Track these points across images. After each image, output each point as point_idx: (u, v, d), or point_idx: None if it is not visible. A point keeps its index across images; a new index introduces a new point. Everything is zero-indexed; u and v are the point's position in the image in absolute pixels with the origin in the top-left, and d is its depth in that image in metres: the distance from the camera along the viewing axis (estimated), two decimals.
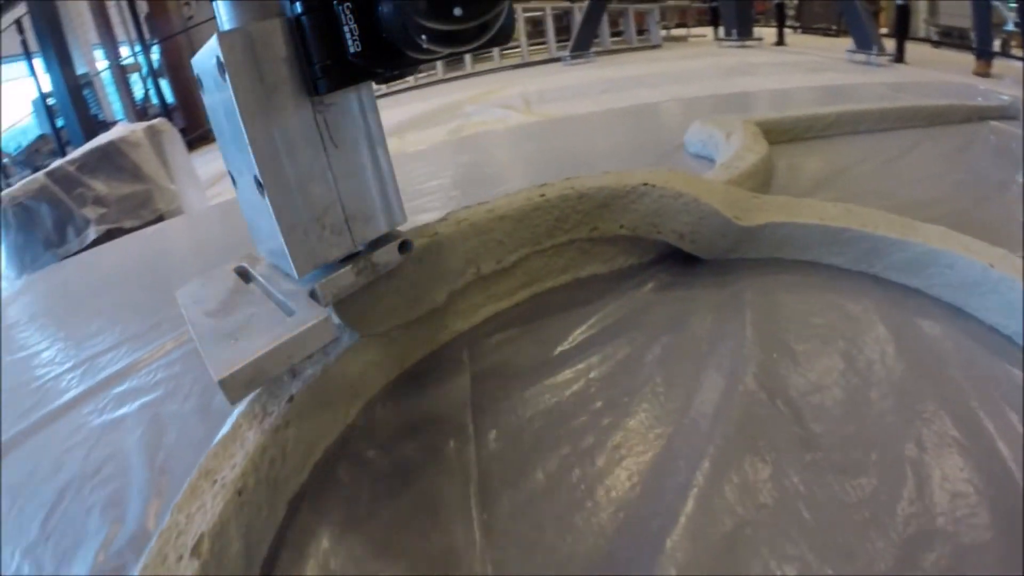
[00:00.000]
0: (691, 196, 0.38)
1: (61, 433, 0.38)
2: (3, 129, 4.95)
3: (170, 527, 0.21)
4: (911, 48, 3.42)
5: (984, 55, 3.11)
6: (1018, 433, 0.24)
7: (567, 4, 5.37)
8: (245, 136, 0.24)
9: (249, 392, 0.24)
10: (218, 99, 0.26)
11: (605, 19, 5.11)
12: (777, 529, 0.22)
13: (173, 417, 0.37)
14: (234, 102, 0.24)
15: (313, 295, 0.27)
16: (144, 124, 2.01)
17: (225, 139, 0.27)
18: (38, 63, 4.47)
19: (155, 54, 5.35)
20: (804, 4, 5.71)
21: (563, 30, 5.52)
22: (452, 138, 1.90)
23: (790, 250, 0.39)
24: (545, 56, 5.23)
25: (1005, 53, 3.23)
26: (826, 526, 0.22)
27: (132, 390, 0.41)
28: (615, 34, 5.59)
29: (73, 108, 4.32)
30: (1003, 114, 0.69)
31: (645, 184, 0.38)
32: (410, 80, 4.68)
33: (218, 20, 0.25)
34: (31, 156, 4.67)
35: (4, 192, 1.78)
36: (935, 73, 2.86)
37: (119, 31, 5.43)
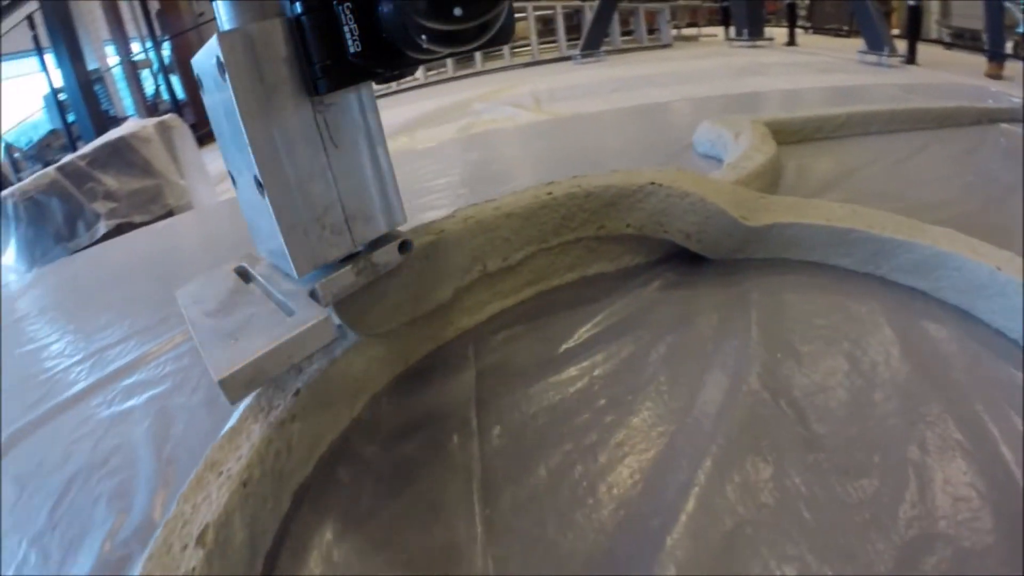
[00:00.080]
0: (698, 196, 0.38)
1: (70, 424, 0.38)
2: (15, 124, 4.99)
3: (176, 517, 0.22)
4: (923, 49, 3.39)
5: (996, 57, 3.08)
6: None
7: (578, 3, 5.37)
8: (245, 136, 0.24)
9: (249, 392, 0.24)
10: (218, 99, 0.26)
11: (616, 18, 5.10)
12: (777, 529, 0.22)
13: (180, 409, 0.37)
14: (234, 102, 0.24)
15: (313, 295, 0.27)
16: (155, 120, 2.03)
17: (225, 139, 0.27)
18: (49, 59, 4.50)
19: (166, 50, 5.37)
20: (816, 4, 5.68)
21: (574, 29, 5.51)
22: (462, 136, 1.90)
23: (797, 251, 0.39)
24: (555, 55, 5.23)
25: (1018, 55, 3.20)
26: (827, 527, 0.22)
27: (140, 383, 0.41)
28: (626, 33, 5.58)
29: (84, 103, 4.35)
30: (1013, 116, 0.69)
31: (652, 183, 0.38)
32: (420, 77, 4.70)
33: (218, 20, 0.25)
34: (42, 151, 4.69)
35: (15, 186, 1.79)
36: (947, 75, 2.84)
37: (130, 27, 5.46)
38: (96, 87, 4.80)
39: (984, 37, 3.25)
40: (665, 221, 0.39)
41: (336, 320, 0.30)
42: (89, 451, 0.35)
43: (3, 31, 4.23)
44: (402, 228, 0.31)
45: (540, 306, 0.39)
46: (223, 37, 0.23)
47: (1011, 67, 3.06)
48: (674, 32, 5.85)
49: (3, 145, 4.67)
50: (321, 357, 0.30)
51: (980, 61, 3.16)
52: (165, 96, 5.50)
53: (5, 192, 1.76)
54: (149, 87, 5.60)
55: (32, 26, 4.41)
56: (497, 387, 0.32)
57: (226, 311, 0.27)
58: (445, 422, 0.30)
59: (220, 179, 2.08)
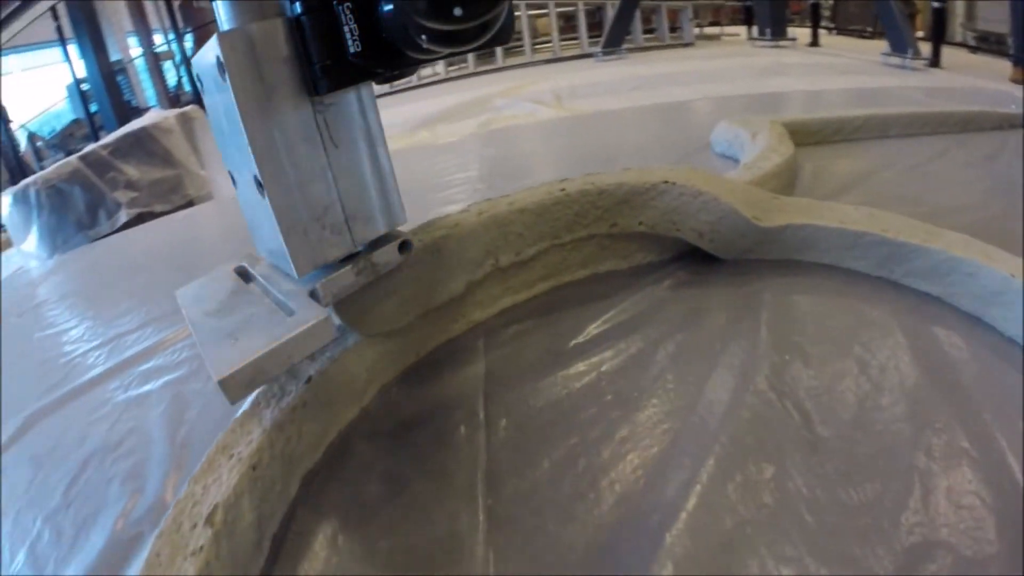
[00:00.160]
0: (711, 195, 0.38)
1: (87, 407, 0.39)
2: (38, 113, 5.06)
3: (187, 497, 0.22)
4: (947, 53, 3.34)
5: (1022, 62, 3.03)
6: None
7: (600, 0, 5.34)
8: (245, 136, 0.24)
9: (249, 392, 0.24)
10: (218, 99, 0.26)
11: (638, 16, 5.07)
12: (777, 530, 0.22)
13: (195, 395, 0.38)
14: (234, 102, 0.24)
15: (313, 295, 0.27)
16: (176, 111, 2.05)
17: (225, 139, 0.27)
18: (73, 49, 4.55)
19: (188, 42, 5.42)
20: (839, 5, 5.61)
21: (595, 26, 5.48)
22: (482, 131, 1.90)
23: (809, 253, 0.39)
24: (577, 52, 5.21)
25: None
26: (827, 530, 0.22)
27: (157, 368, 0.42)
28: (647, 31, 5.54)
29: (107, 94, 4.38)
30: None
31: (665, 182, 0.38)
32: (442, 72, 4.70)
33: (218, 20, 0.25)
34: (65, 140, 4.76)
35: (38, 174, 1.82)
36: (971, 79, 2.79)
37: (153, 19, 5.52)
38: (119, 78, 4.84)
39: (1010, 41, 3.19)
40: (678, 220, 0.39)
41: (336, 320, 0.30)
42: (105, 433, 0.36)
43: (27, 22, 4.29)
44: (407, 226, 0.31)
45: (551, 302, 0.40)
46: (223, 37, 0.23)
47: None
48: (696, 31, 5.80)
49: (26, 134, 4.74)
50: (334, 347, 0.30)
51: (1005, 66, 3.10)
52: (187, 88, 5.55)
53: (28, 180, 1.79)
54: (171, 78, 5.65)
55: (56, 17, 4.46)
56: (506, 380, 0.33)
57: (226, 311, 0.27)
58: (453, 413, 0.31)
59: None
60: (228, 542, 0.21)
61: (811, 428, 0.26)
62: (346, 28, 0.23)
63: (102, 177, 1.83)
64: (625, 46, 4.87)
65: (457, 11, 0.21)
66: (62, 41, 4.61)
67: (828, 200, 0.41)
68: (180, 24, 5.39)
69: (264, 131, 0.25)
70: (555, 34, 5.28)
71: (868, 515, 0.22)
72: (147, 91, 5.49)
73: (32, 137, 4.80)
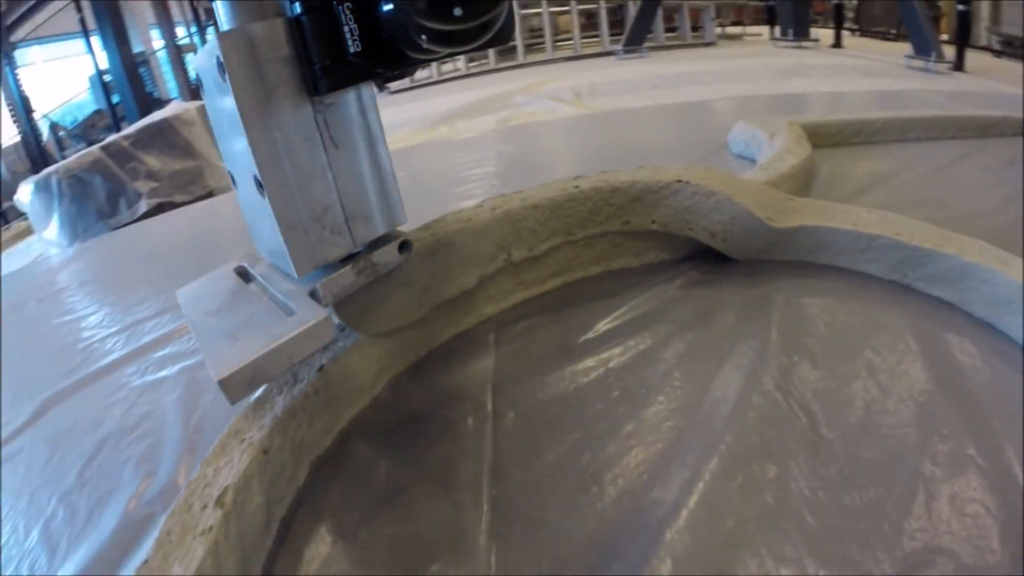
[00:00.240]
0: (724, 195, 0.38)
1: (103, 391, 0.40)
2: (60, 104, 5.13)
3: (198, 479, 0.23)
4: (972, 56, 3.28)
5: None
6: None
7: None
8: (245, 136, 0.24)
9: (249, 392, 0.24)
10: (218, 99, 0.26)
11: (659, 14, 5.04)
12: (778, 530, 0.22)
13: (210, 381, 0.38)
14: (234, 102, 0.24)
15: (313, 295, 0.27)
16: (198, 103, 2.07)
17: (225, 139, 0.27)
18: (95, 41, 4.60)
19: (210, 35, 5.46)
20: (863, 6, 5.54)
21: (617, 24, 5.46)
22: (501, 127, 1.90)
23: (822, 255, 0.39)
24: (598, 49, 5.18)
25: None
26: (828, 532, 0.22)
27: (173, 355, 0.43)
28: (669, 30, 5.50)
29: (129, 85, 4.42)
30: None
31: (678, 181, 0.38)
32: (462, 68, 4.70)
33: (218, 20, 0.25)
34: (87, 130, 4.82)
35: (60, 163, 1.85)
36: (995, 83, 2.75)
37: (175, 12, 5.57)
38: (141, 70, 4.89)
39: None
40: (691, 219, 0.39)
41: (336, 320, 0.30)
42: (120, 416, 0.36)
43: (51, 14, 4.34)
44: (407, 226, 0.31)
45: (563, 297, 0.40)
46: (223, 37, 0.23)
47: None
48: (718, 30, 5.76)
49: (48, 124, 4.81)
50: (346, 338, 0.31)
51: None
52: None
53: (50, 169, 1.82)
54: (193, 71, 5.70)
55: (79, 8, 4.52)
56: (515, 373, 0.33)
57: (226, 311, 0.28)
58: (462, 404, 0.31)
59: None
60: (237, 523, 0.22)
61: (816, 430, 0.26)
62: (346, 28, 0.23)
63: (123, 167, 1.85)
64: (646, 45, 4.84)
65: (457, 11, 0.21)
66: (85, 33, 4.66)
67: (844, 203, 0.40)
68: (202, 17, 5.44)
69: (264, 131, 0.24)
70: (576, 31, 5.26)
71: (870, 518, 0.22)
72: (169, 83, 5.55)
73: (54, 127, 4.86)
